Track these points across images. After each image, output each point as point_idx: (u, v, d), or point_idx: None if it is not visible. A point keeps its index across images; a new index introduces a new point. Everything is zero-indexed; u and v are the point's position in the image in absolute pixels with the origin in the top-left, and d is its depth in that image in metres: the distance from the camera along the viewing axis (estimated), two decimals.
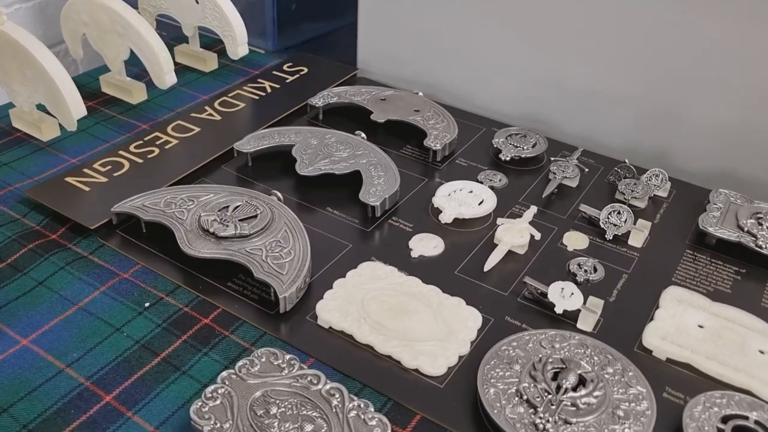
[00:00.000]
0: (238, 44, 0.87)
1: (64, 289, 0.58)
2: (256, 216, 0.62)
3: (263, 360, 0.50)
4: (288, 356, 0.50)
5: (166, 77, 0.80)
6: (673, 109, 0.76)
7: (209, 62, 0.91)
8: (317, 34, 1.11)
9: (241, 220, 0.61)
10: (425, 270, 0.61)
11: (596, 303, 0.57)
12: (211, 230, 0.60)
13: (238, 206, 0.63)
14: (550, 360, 0.51)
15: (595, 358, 0.51)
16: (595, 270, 0.61)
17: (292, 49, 1.06)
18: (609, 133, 0.81)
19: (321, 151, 0.72)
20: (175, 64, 0.92)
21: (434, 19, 0.87)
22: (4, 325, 0.54)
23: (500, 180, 0.72)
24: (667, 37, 0.73)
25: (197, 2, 0.87)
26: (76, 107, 0.71)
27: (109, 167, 0.70)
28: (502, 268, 0.61)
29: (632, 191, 0.69)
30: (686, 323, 0.56)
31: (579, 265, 0.61)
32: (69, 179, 0.68)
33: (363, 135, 0.74)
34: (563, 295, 0.57)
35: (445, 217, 0.65)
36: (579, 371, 0.50)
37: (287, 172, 0.71)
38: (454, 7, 0.85)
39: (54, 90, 0.71)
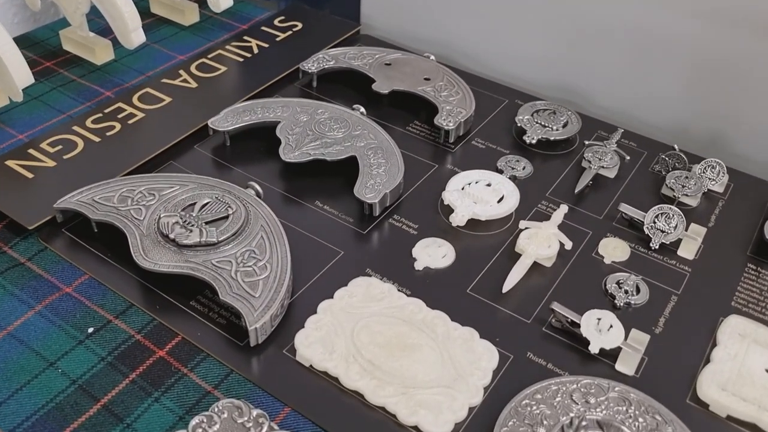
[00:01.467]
0: None
1: None
2: (227, 217, 0.51)
3: (224, 416, 0.40)
4: (255, 412, 0.40)
5: (132, 35, 0.67)
6: (739, 71, 0.62)
7: (189, 14, 0.79)
8: None
9: (208, 223, 0.50)
10: (431, 287, 0.50)
11: (640, 339, 0.46)
12: (172, 236, 0.49)
13: (206, 204, 0.52)
14: (584, 423, 0.40)
15: (640, 419, 0.41)
16: (638, 290, 0.50)
17: None
18: (656, 106, 0.68)
19: (311, 131, 0.60)
20: (150, 15, 0.80)
21: None
22: None
23: (524, 168, 0.61)
24: None
25: None
26: (21, 75, 0.60)
27: (60, 147, 0.59)
28: (524, 285, 0.51)
29: (683, 186, 0.58)
30: (751, 367, 0.45)
31: (618, 284, 0.50)
32: (10, 163, 0.57)
33: (362, 110, 0.63)
34: (599, 328, 0.46)
35: (457, 219, 0.54)
36: None
37: (271, 153, 0.59)
38: None
39: None
